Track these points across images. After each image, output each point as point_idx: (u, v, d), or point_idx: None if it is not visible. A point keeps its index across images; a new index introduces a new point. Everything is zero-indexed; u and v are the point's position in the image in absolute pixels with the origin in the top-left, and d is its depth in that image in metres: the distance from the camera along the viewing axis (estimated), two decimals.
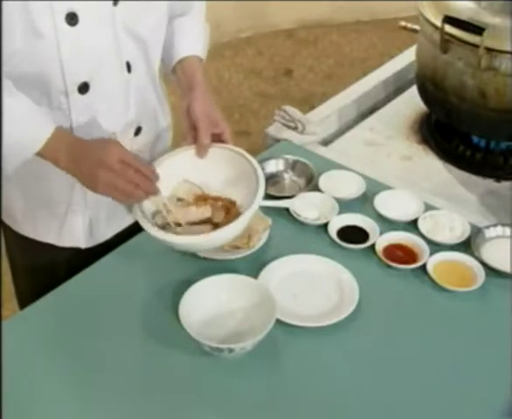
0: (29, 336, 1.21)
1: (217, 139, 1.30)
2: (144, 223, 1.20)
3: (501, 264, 1.31)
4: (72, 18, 1.16)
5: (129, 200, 1.20)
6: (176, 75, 1.40)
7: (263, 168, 1.55)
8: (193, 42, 1.41)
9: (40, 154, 1.17)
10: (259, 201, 1.22)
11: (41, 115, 1.18)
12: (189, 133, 1.31)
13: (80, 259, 1.36)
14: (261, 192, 1.22)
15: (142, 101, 1.35)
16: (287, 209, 1.45)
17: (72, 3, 1.16)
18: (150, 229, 1.19)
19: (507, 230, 1.39)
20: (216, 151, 1.30)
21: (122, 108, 1.30)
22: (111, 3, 1.21)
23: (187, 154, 1.30)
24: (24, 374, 1.14)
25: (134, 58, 1.29)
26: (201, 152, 1.29)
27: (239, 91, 3.88)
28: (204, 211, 1.26)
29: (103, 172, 1.14)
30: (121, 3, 1.22)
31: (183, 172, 1.29)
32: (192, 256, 1.33)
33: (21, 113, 1.15)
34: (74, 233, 1.38)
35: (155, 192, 1.21)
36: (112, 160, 1.14)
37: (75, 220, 1.36)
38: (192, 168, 1.29)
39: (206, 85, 1.36)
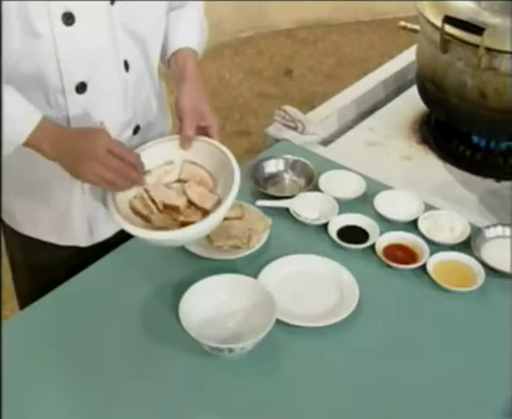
0: (29, 336, 1.21)
1: (204, 132, 1.30)
2: (114, 214, 1.19)
3: (501, 264, 1.31)
4: (68, 18, 1.16)
5: (114, 188, 1.21)
6: (170, 68, 1.39)
7: (263, 168, 1.57)
8: (187, 34, 1.40)
9: (26, 144, 1.17)
10: (232, 200, 1.20)
11: (25, 107, 1.17)
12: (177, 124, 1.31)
13: (80, 258, 1.36)
14: (234, 191, 1.20)
15: (141, 100, 1.35)
16: (287, 209, 1.45)
17: (69, 3, 1.16)
18: (120, 220, 1.19)
19: (507, 230, 1.39)
20: (198, 144, 1.29)
21: (120, 107, 1.30)
22: (108, 2, 1.21)
23: (171, 144, 1.30)
24: (24, 373, 1.14)
25: (132, 57, 1.29)
26: (184, 143, 1.29)
27: (239, 91, 3.88)
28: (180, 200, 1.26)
29: (88, 161, 1.15)
30: (118, 3, 1.22)
31: (164, 161, 1.29)
32: (192, 256, 1.33)
33: (6, 106, 1.14)
34: (74, 232, 1.38)
35: (139, 181, 1.22)
36: (98, 149, 1.15)
37: (75, 219, 1.36)
38: (173, 158, 1.30)
39: (197, 78, 1.34)
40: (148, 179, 1.27)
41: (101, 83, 1.25)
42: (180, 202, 1.25)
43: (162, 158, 1.29)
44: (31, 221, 1.38)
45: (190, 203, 1.26)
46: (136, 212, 1.24)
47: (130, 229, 1.19)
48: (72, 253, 1.39)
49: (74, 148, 1.17)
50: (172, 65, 1.38)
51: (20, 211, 1.38)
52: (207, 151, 1.29)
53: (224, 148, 1.28)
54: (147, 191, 1.26)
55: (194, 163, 1.30)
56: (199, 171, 1.30)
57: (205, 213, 1.23)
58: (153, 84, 1.38)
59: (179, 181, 1.30)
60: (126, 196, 1.24)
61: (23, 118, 1.16)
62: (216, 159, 1.28)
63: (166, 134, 1.45)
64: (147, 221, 1.23)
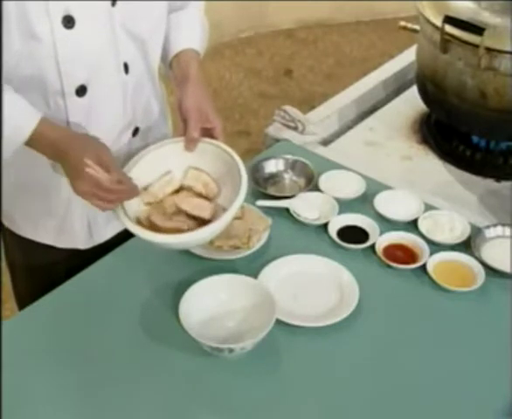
0: (29, 336, 1.21)
1: (208, 134, 1.29)
2: (125, 220, 1.19)
3: (501, 264, 1.31)
4: (68, 21, 1.16)
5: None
6: (172, 70, 1.38)
7: (263, 168, 1.57)
8: (189, 35, 1.39)
9: (27, 145, 1.17)
10: (240, 203, 1.20)
11: (24, 109, 1.17)
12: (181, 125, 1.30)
13: (79, 260, 1.35)
14: (243, 194, 1.20)
15: (140, 102, 1.35)
16: (287, 209, 1.45)
17: (69, 5, 1.15)
18: (129, 224, 1.18)
19: (507, 230, 1.39)
20: (203, 146, 1.28)
21: (120, 109, 1.30)
22: (109, 4, 1.20)
23: (175, 146, 1.29)
24: (24, 373, 1.14)
25: (132, 59, 1.29)
26: (189, 145, 1.28)
27: (239, 91, 3.88)
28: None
29: (79, 193, 1.16)
30: (119, 4, 1.21)
31: (169, 164, 1.28)
32: (192, 256, 1.33)
33: (5, 108, 1.13)
34: (73, 234, 1.38)
35: (132, 196, 1.21)
36: (84, 187, 1.15)
37: (74, 221, 1.36)
38: (178, 161, 1.29)
39: (200, 79, 1.34)
40: (149, 197, 1.27)
41: (101, 86, 1.25)
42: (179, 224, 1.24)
43: (166, 163, 1.28)
44: (31, 223, 1.38)
45: (190, 216, 1.26)
46: (141, 223, 1.23)
47: (138, 231, 1.18)
48: (71, 255, 1.39)
49: (66, 168, 1.18)
50: (174, 67, 1.37)
51: (19, 214, 1.38)
52: (212, 153, 1.28)
53: (229, 150, 1.27)
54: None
55: (198, 169, 1.29)
56: (203, 176, 1.29)
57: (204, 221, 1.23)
58: (153, 85, 1.38)
59: (180, 189, 1.29)
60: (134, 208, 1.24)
61: (22, 120, 1.16)
62: (221, 161, 1.27)
63: (167, 135, 1.45)
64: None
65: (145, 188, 1.27)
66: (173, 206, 1.26)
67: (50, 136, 1.18)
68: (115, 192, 1.17)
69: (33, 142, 1.17)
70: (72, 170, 1.16)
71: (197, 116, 1.27)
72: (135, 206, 1.23)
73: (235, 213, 1.21)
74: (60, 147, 1.18)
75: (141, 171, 1.26)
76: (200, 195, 1.28)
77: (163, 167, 1.28)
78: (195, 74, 1.33)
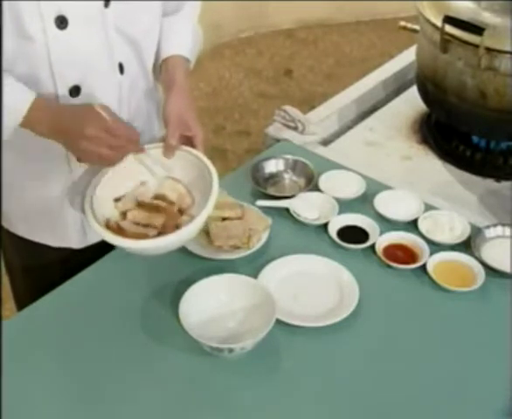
0: (28, 336, 1.21)
1: (189, 142, 1.28)
2: (93, 223, 1.19)
3: (501, 264, 1.31)
4: (61, 22, 1.16)
5: (111, 163, 1.22)
6: (161, 74, 1.38)
7: (263, 168, 1.57)
8: (180, 41, 1.39)
9: (22, 126, 1.16)
10: (207, 213, 1.20)
11: (19, 89, 1.16)
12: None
13: (76, 260, 1.35)
14: (210, 205, 1.20)
15: (136, 102, 1.35)
16: (287, 209, 1.45)
17: (62, 6, 1.15)
18: (99, 228, 1.18)
19: (507, 230, 1.39)
20: (181, 154, 1.28)
21: (115, 110, 1.29)
22: (102, 5, 1.20)
23: (154, 152, 1.29)
24: (24, 373, 1.14)
25: (126, 60, 1.28)
26: (167, 152, 1.28)
27: (239, 91, 3.88)
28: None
29: (85, 143, 1.15)
30: (112, 5, 1.21)
31: (146, 170, 1.28)
32: (192, 256, 1.33)
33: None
34: (67, 233, 1.38)
35: (137, 152, 1.24)
36: (92, 130, 1.14)
37: (68, 220, 1.36)
38: (154, 168, 1.29)
39: (185, 86, 1.33)
40: (122, 207, 1.27)
41: (95, 86, 1.24)
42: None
43: (143, 169, 1.28)
44: (25, 222, 1.38)
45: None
46: (111, 228, 1.23)
47: (109, 237, 1.18)
48: (67, 255, 1.39)
49: (69, 131, 1.17)
50: (163, 72, 1.37)
51: (14, 212, 1.38)
52: (188, 161, 1.28)
53: (206, 160, 1.26)
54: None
55: (175, 179, 1.29)
56: (179, 187, 1.29)
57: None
58: (148, 86, 1.38)
59: (155, 198, 1.29)
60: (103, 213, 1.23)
61: (16, 100, 1.15)
62: (197, 170, 1.27)
63: (161, 135, 1.44)
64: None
65: (119, 199, 1.26)
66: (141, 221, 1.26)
67: (45, 109, 1.17)
68: (121, 135, 1.17)
69: (28, 123, 1.16)
70: (77, 121, 1.16)
71: (176, 124, 1.27)
72: (108, 208, 1.24)
73: (201, 224, 1.20)
74: (60, 112, 1.18)
75: (117, 175, 1.25)
76: (172, 204, 1.28)
77: (140, 172, 1.28)
78: (180, 81, 1.33)
